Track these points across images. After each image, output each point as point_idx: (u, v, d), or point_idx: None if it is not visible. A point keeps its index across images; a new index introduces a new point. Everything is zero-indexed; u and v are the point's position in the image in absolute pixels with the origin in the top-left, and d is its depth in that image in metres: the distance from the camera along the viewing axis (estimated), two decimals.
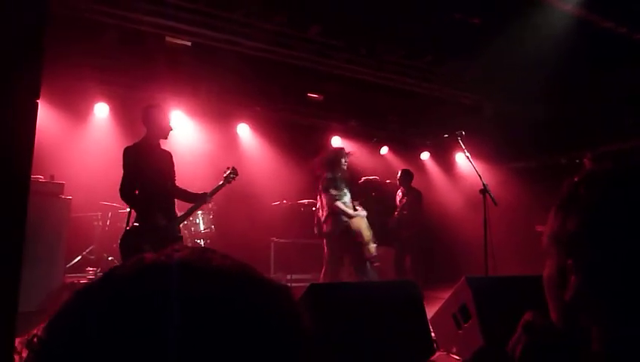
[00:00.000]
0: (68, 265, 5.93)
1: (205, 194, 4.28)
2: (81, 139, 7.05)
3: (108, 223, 6.73)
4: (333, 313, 2.74)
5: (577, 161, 7.47)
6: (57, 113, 6.60)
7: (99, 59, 6.30)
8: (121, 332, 0.39)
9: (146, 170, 3.97)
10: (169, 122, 4.16)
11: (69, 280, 5.55)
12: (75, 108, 6.87)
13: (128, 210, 4.24)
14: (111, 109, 7.16)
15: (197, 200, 4.28)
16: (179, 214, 4.25)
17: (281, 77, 7.15)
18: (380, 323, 2.97)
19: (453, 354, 3.38)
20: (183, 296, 0.40)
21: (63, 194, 5.40)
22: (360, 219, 5.36)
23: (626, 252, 0.68)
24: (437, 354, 3.38)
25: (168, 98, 7.22)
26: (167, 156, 4.27)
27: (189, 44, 5.85)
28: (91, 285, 0.44)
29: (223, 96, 7.30)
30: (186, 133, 7.69)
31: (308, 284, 2.97)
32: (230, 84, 7.12)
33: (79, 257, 6.41)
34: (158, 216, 3.96)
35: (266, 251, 7.51)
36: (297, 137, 8.13)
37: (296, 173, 7.49)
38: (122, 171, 3.98)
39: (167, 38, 5.81)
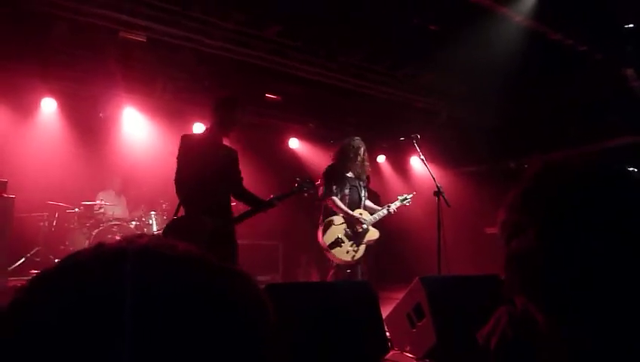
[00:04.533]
0: (10, 268, 5.65)
1: (272, 199, 3.98)
2: (27, 136, 6.73)
3: (55, 224, 6.46)
4: (289, 313, 2.73)
5: (526, 165, 7.78)
6: (1, 108, 6.28)
7: (47, 52, 6.02)
8: (80, 323, 0.37)
9: (195, 163, 3.69)
10: (237, 119, 3.86)
11: (11, 283, 5.28)
12: (20, 103, 6.56)
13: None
14: (59, 105, 6.88)
15: (261, 204, 3.98)
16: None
17: (239, 76, 7.07)
18: (336, 322, 2.99)
19: (406, 352, 3.44)
20: (144, 283, 0.39)
21: (6, 192, 5.15)
22: None
23: (537, 246, 0.72)
24: (391, 352, 3.43)
25: (121, 95, 7.01)
26: (230, 154, 3.95)
27: (144, 39, 5.68)
28: (47, 274, 0.42)
29: (178, 94, 7.14)
30: (139, 131, 7.48)
31: (264, 286, 2.96)
32: (186, 82, 6.98)
33: (23, 259, 6.11)
34: (201, 215, 3.64)
35: None
36: (255, 138, 8.05)
37: (253, 174, 7.41)
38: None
39: (121, 33, 5.62)
